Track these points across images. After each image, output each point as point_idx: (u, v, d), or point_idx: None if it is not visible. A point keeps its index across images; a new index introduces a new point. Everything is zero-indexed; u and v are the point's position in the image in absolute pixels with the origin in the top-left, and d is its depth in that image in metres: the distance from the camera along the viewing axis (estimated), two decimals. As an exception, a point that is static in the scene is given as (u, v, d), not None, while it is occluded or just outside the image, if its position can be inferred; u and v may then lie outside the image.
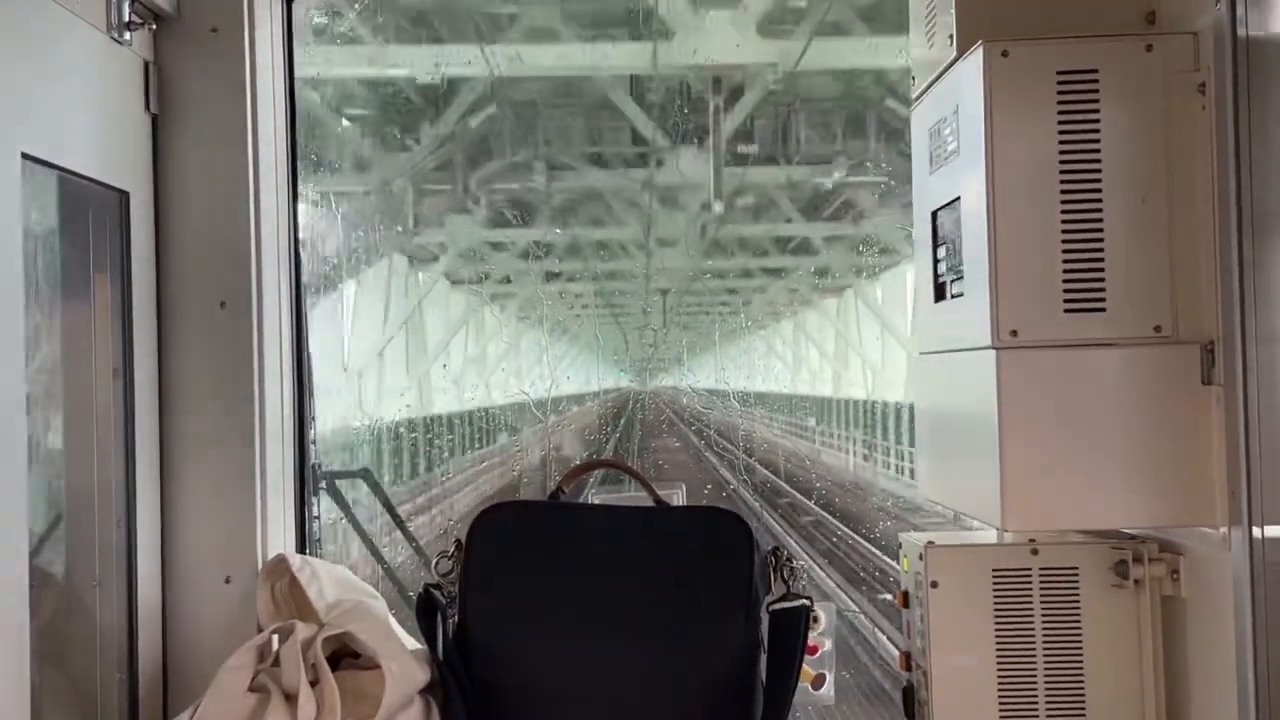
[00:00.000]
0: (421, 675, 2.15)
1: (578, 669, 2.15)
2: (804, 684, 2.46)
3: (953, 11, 2.28)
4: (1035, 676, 2.25)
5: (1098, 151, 2.11)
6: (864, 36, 13.85)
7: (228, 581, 2.42)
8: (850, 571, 13.57)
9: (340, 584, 2.34)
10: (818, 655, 2.52)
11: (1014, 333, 2.12)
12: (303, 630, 2.13)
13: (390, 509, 3.22)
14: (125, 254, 2.33)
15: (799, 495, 19.37)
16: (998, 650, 2.26)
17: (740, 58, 14.30)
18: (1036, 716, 2.25)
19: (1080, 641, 2.25)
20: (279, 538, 2.52)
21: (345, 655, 2.18)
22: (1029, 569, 2.26)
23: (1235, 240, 1.97)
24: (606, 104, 16.10)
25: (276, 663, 2.11)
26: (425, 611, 2.21)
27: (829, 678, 2.53)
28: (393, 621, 2.33)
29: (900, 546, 2.47)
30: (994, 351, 2.13)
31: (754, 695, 2.17)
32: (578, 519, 2.26)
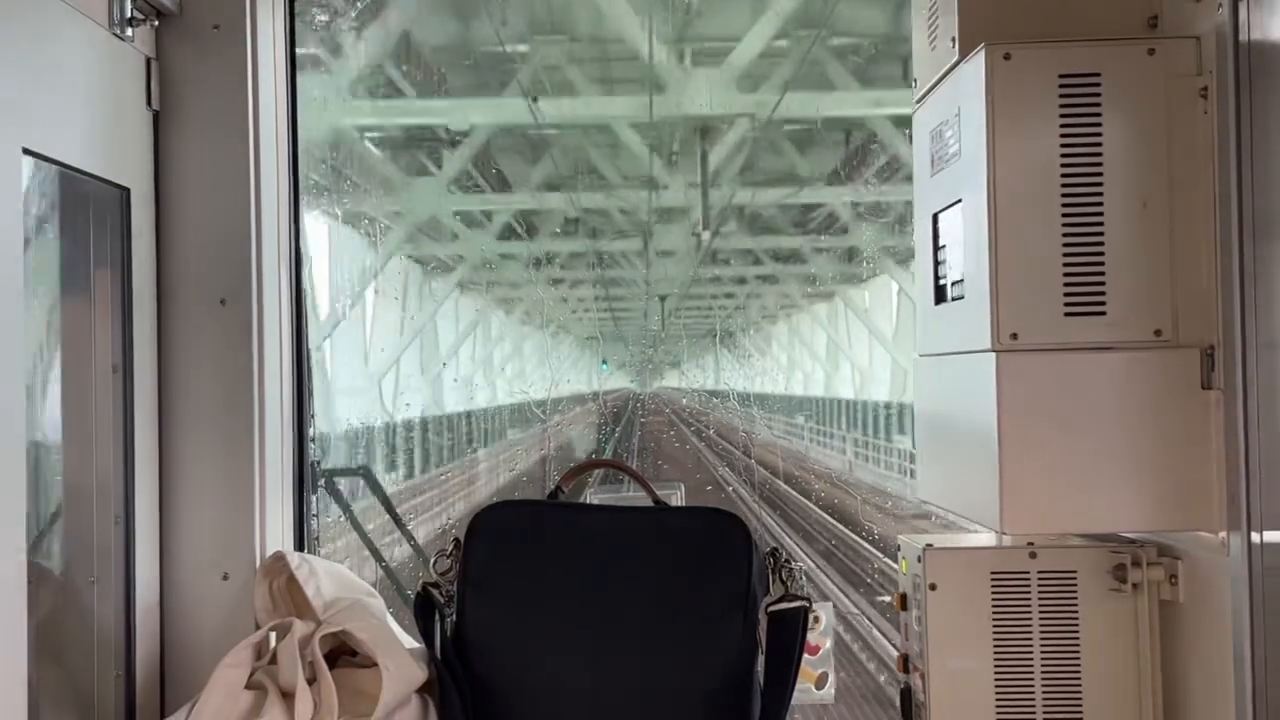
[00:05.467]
0: (419, 674, 2.15)
1: (575, 668, 2.15)
2: (808, 684, 2.46)
3: (955, 14, 2.28)
4: (1033, 679, 2.25)
5: (1099, 155, 2.11)
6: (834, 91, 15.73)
7: (225, 579, 2.42)
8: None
9: (338, 582, 2.34)
10: (819, 654, 2.53)
11: (1014, 336, 2.12)
12: (300, 628, 2.13)
13: (389, 507, 3.22)
14: (125, 250, 2.33)
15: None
16: (996, 653, 2.26)
17: (721, 109, 16.00)
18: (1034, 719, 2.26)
19: (1078, 645, 2.25)
20: (277, 535, 2.52)
21: (343, 653, 2.18)
22: (1027, 572, 2.26)
23: (1236, 244, 1.97)
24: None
25: (274, 660, 2.11)
26: (423, 610, 2.21)
27: (830, 676, 2.53)
28: (391, 620, 2.33)
29: (899, 549, 2.47)
30: (994, 354, 2.13)
31: (752, 696, 2.17)
32: (576, 518, 2.26)
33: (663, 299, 28.38)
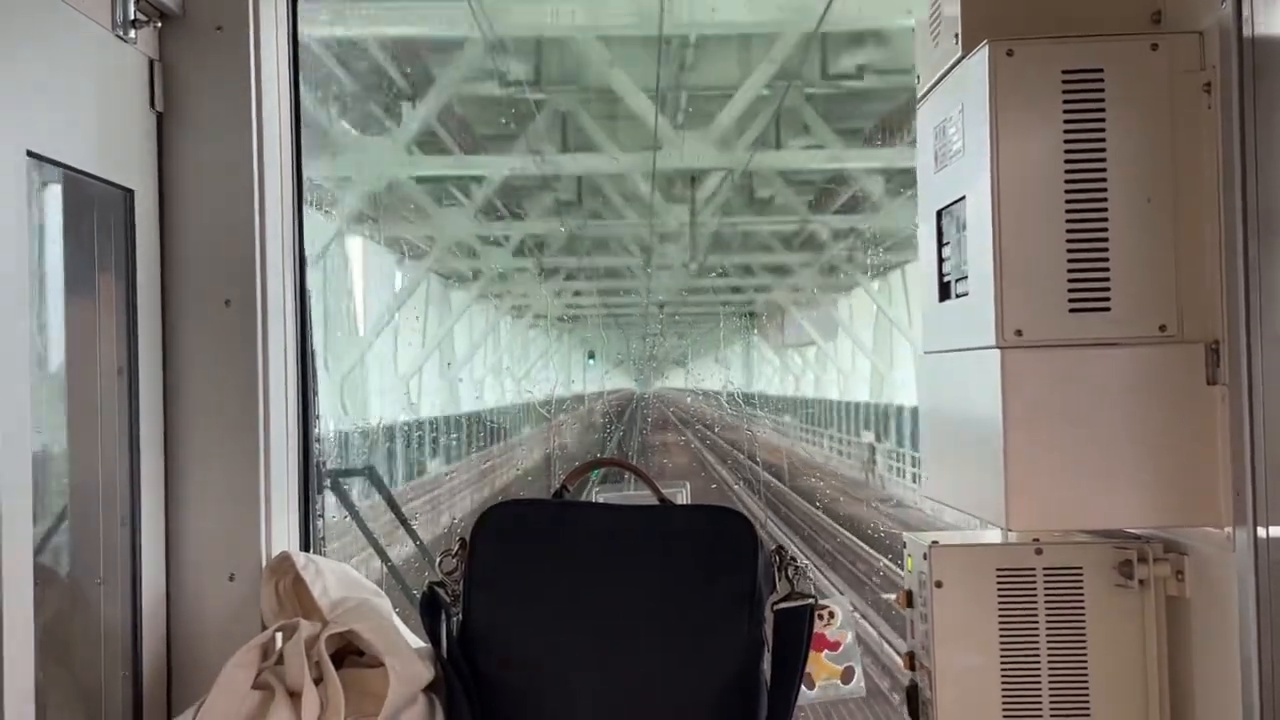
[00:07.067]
0: (425, 673, 2.15)
1: (581, 667, 2.15)
2: (833, 680, 2.46)
3: (958, 10, 2.28)
4: (1039, 676, 2.25)
5: (1103, 151, 2.11)
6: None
7: (231, 579, 2.43)
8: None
9: (344, 582, 2.34)
10: (842, 649, 2.52)
11: (1018, 332, 2.11)
12: (306, 628, 2.13)
13: (394, 507, 3.22)
14: (130, 252, 2.33)
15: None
16: (1002, 650, 2.26)
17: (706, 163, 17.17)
18: (1040, 716, 2.25)
19: (1084, 641, 2.25)
20: (283, 535, 2.52)
21: (349, 653, 2.18)
22: (1033, 569, 2.26)
23: (1241, 240, 1.97)
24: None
25: (280, 660, 2.12)
26: (429, 609, 2.22)
27: (857, 670, 2.52)
28: (397, 619, 2.33)
29: (904, 546, 2.47)
30: (998, 351, 2.12)
31: (758, 695, 2.17)
32: (582, 517, 2.26)
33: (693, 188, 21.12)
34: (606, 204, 22.09)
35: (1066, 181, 2.11)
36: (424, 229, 20.75)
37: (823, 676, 2.39)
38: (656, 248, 24.12)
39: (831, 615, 2.44)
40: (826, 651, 2.41)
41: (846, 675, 2.50)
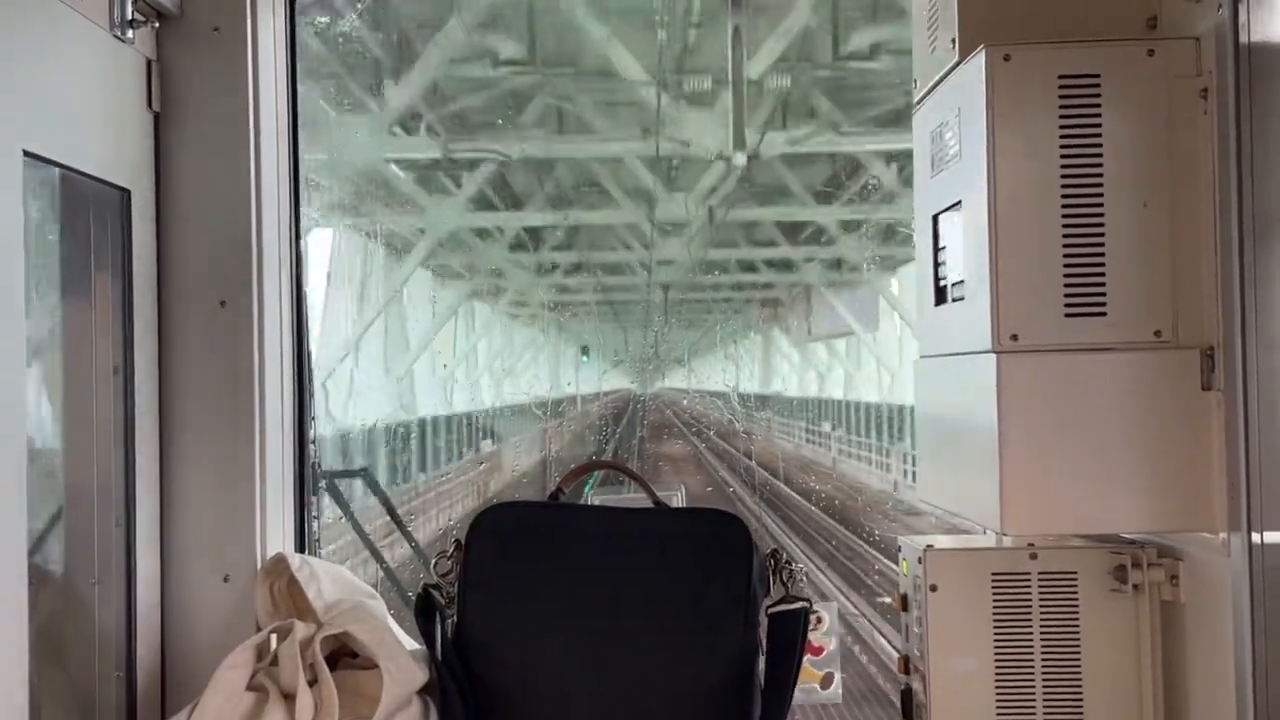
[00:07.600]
0: (420, 675, 2.15)
1: (576, 670, 2.15)
2: (812, 684, 2.47)
3: (955, 15, 2.28)
4: (1034, 681, 2.25)
5: (1099, 156, 2.11)
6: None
7: (226, 580, 2.42)
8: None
9: (339, 584, 2.34)
10: (823, 655, 2.53)
11: (1014, 336, 2.11)
12: (301, 630, 2.13)
13: (390, 509, 3.22)
14: (126, 252, 2.33)
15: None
16: (996, 654, 2.26)
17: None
18: (1035, 721, 2.25)
19: (1079, 646, 2.25)
20: (278, 537, 2.52)
21: (344, 655, 2.18)
22: (1028, 573, 2.26)
23: (1236, 245, 1.97)
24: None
25: (275, 662, 2.12)
26: (424, 611, 2.22)
27: (836, 677, 2.53)
28: (391, 621, 2.33)
29: (899, 550, 2.47)
30: (994, 355, 2.13)
31: (752, 697, 2.17)
32: (577, 520, 2.26)
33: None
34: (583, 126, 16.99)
35: (1063, 186, 2.11)
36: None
37: (802, 680, 2.41)
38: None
39: (819, 620, 2.45)
40: (809, 656, 2.42)
41: (826, 681, 2.51)
